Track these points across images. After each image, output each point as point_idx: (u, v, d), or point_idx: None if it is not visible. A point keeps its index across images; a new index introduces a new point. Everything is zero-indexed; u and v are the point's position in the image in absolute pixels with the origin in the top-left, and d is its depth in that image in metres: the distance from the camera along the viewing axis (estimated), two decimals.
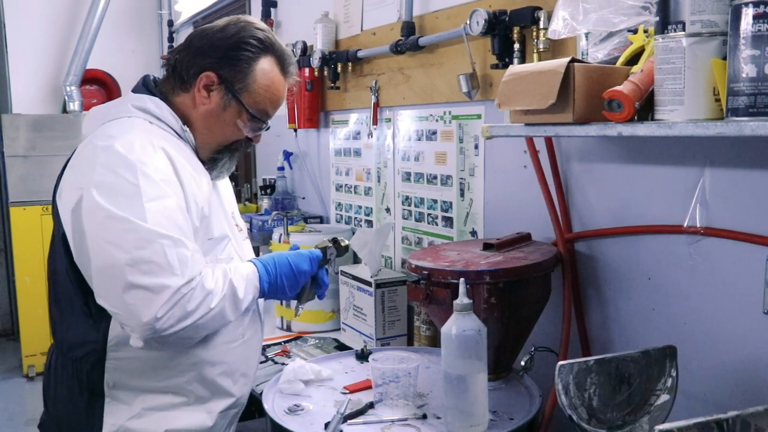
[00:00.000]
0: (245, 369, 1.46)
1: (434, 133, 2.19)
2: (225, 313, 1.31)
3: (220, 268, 1.33)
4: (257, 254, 1.60)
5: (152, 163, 1.27)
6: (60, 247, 1.33)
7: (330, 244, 1.55)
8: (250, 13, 3.54)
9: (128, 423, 1.35)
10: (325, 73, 2.69)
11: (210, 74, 1.38)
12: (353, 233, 2.23)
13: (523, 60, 1.76)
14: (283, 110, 3.01)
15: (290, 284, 1.45)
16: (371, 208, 2.58)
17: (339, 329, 2.37)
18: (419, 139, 2.27)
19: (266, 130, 1.49)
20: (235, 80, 1.39)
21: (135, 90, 1.45)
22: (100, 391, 1.35)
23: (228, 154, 1.48)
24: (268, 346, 2.20)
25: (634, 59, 1.29)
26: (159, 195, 1.25)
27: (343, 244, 1.57)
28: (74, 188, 1.27)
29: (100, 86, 4.91)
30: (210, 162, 1.46)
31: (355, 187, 2.68)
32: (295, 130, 2.97)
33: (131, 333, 1.23)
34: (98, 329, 1.32)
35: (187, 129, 1.41)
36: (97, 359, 1.33)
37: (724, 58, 1.03)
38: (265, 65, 1.41)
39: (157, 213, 1.23)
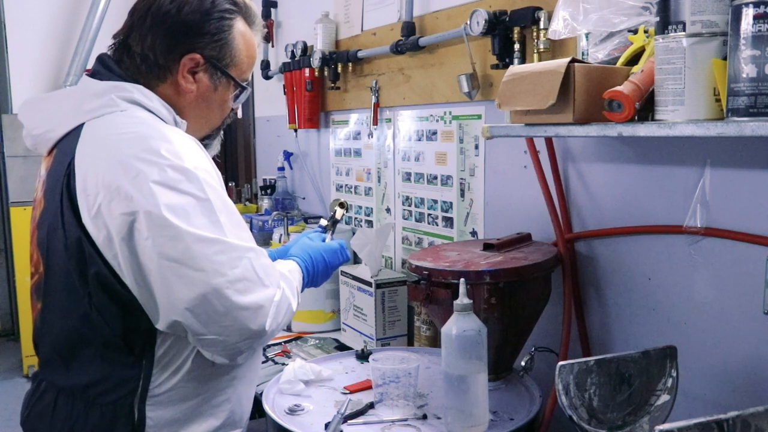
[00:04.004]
0: (257, 376, 1.44)
1: (434, 133, 2.19)
2: (288, 319, 1.28)
3: (282, 275, 1.27)
4: None
5: (201, 164, 1.14)
6: (89, 286, 1.14)
7: (342, 210, 1.69)
8: None
9: None
10: (326, 73, 2.68)
11: (194, 56, 1.23)
12: (353, 233, 2.23)
13: (523, 60, 1.76)
14: (283, 110, 3.02)
15: (323, 280, 1.50)
16: (371, 209, 2.58)
17: (339, 329, 2.36)
18: (419, 140, 2.27)
19: (248, 94, 1.38)
20: (222, 56, 1.26)
21: (95, 75, 1.24)
22: None
23: (216, 134, 1.39)
24: (269, 346, 2.20)
25: (634, 59, 1.29)
26: (223, 202, 1.15)
27: (342, 200, 1.72)
28: (115, 216, 1.08)
29: None
30: None
31: (356, 187, 2.68)
32: (296, 131, 2.97)
33: (223, 354, 1.16)
34: (140, 364, 1.17)
35: (180, 120, 1.26)
36: (140, 398, 1.18)
37: (725, 59, 1.03)
38: (241, 27, 1.28)
39: (231, 224, 1.14)
